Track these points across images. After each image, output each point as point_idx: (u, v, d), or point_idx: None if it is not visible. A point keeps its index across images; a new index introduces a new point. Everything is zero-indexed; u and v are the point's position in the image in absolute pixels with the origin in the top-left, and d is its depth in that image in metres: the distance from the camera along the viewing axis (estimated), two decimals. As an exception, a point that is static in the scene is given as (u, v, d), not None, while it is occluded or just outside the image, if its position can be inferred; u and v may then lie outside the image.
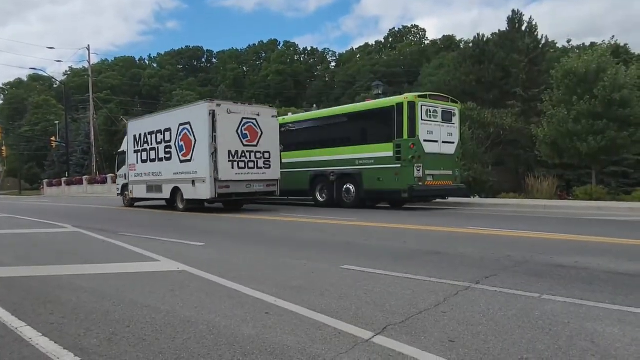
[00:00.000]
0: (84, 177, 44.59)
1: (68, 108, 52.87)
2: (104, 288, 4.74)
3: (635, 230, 9.03)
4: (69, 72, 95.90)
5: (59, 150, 56.27)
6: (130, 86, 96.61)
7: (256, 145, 15.06)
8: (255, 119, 15.10)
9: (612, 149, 20.46)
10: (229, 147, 14.47)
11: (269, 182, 15.48)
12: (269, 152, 15.41)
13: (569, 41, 43.52)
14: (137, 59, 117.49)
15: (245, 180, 14.84)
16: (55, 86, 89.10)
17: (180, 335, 3.29)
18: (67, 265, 6.12)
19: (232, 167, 14.54)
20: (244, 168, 14.82)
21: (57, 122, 64.98)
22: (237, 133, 14.63)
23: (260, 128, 15.19)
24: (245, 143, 14.80)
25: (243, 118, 14.81)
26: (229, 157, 14.50)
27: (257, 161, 15.09)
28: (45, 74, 72.08)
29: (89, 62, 47.94)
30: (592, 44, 41.24)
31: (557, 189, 21.05)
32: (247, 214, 14.02)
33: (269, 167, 15.43)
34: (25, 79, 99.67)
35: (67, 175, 47.46)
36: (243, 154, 14.79)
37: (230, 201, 15.53)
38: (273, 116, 15.88)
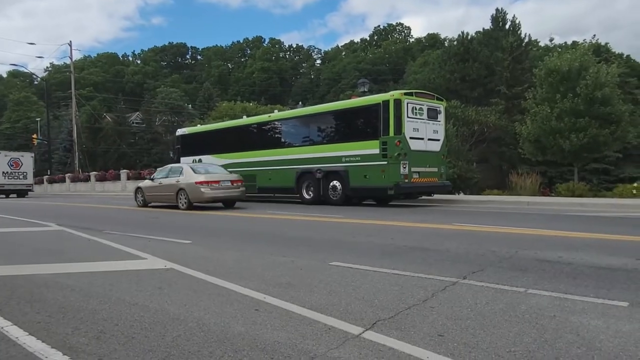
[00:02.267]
0: (67, 175, 43.99)
1: (49, 105, 52.04)
2: (91, 286, 4.69)
3: (616, 226, 9.20)
4: (50, 69, 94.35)
5: (41, 148, 55.40)
6: (113, 83, 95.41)
7: (19, 169, 33.16)
8: (19, 158, 33.77)
9: (594, 146, 20.82)
10: (3, 169, 32.42)
11: (27, 184, 33.59)
12: (26, 172, 33.53)
13: (551, 39, 44.16)
14: (120, 56, 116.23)
15: (12, 184, 32.68)
16: (36, 83, 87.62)
17: (169, 333, 3.27)
18: (52, 264, 6.04)
19: (5, 179, 32.41)
20: (12, 179, 32.73)
21: (38, 119, 63.96)
22: (7, 164, 32.67)
23: (22, 162, 33.44)
24: (12, 169, 32.81)
25: (11, 158, 33.27)
26: (2, 175, 32.33)
27: (19, 175, 33.12)
28: (26, 70, 70.97)
29: (71, 59, 47.30)
30: (574, 43, 41.82)
31: (540, 185, 21.33)
32: (234, 212, 13.97)
33: (26, 179, 33.50)
34: (5, 75, 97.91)
35: (49, 174, 46.74)
36: (11, 173, 32.70)
37: (5, 193, 32.65)
38: (31, 156, 35.26)
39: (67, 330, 3.37)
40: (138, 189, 17.51)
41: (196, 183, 14.60)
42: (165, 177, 16.14)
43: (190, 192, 14.77)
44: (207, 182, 14.62)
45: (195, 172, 15.19)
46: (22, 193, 33.62)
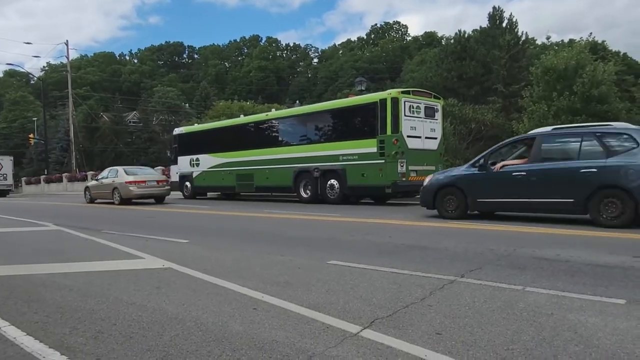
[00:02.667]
0: (64, 175, 43.84)
1: (46, 104, 51.87)
2: (89, 286, 4.69)
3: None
4: (46, 68, 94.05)
5: (38, 147, 55.23)
6: (110, 82, 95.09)
7: None
8: (0, 162, 36.43)
9: (591, 144, 20.81)
10: None
11: (7, 185, 36.69)
12: (5, 174, 36.54)
13: (548, 37, 44.18)
14: (117, 55, 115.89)
15: None
16: (32, 82, 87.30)
17: (167, 332, 3.27)
18: (50, 263, 6.03)
19: None
20: None
21: (35, 118, 63.76)
22: None
23: (2, 164, 36.21)
24: None
25: None
26: None
27: (1, 177, 36.03)
28: (23, 70, 70.70)
29: (67, 58, 47.06)
30: (571, 41, 41.82)
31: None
32: (231, 211, 13.96)
33: (6, 180, 36.57)
34: (2, 75, 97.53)
35: (45, 173, 46.60)
36: None
37: None
38: (10, 159, 37.86)
39: (65, 330, 3.37)
40: (86, 188, 20.87)
41: (126, 182, 17.65)
42: (106, 178, 19.16)
43: (121, 190, 17.77)
44: (135, 182, 17.67)
45: (127, 174, 18.23)
46: (3, 193, 36.83)
